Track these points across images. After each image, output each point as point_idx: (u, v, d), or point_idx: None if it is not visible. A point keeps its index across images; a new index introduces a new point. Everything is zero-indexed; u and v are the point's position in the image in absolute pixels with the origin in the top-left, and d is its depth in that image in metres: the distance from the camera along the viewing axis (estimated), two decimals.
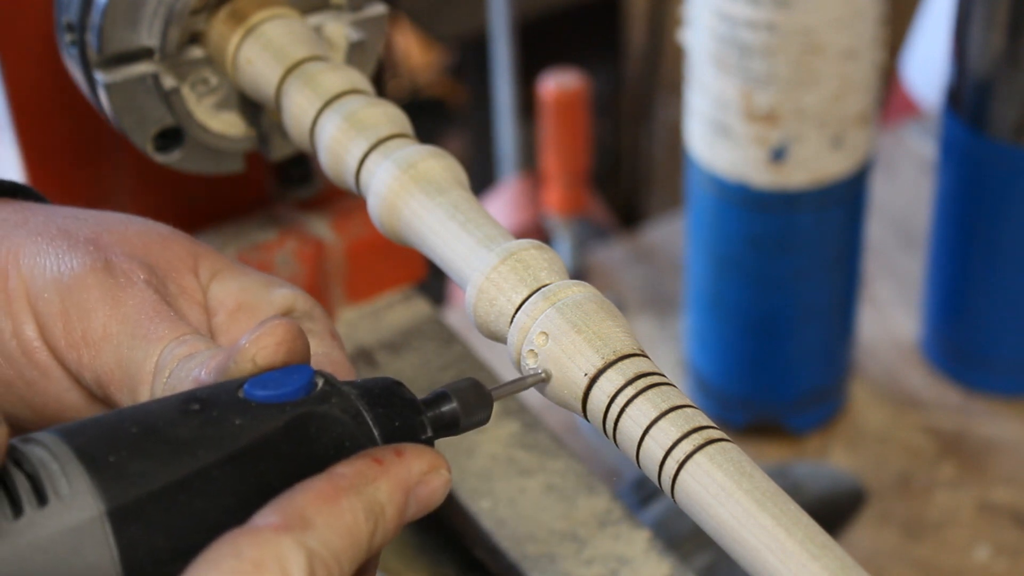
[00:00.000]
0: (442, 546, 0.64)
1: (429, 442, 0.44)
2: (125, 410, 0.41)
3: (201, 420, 0.40)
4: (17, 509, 0.37)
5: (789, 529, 0.41)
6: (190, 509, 0.39)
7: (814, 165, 0.80)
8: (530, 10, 1.72)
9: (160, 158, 0.59)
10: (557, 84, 1.27)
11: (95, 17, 0.55)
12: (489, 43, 1.63)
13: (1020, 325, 0.91)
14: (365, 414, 0.42)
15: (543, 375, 0.45)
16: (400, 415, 0.43)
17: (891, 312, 1.01)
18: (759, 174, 0.81)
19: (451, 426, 0.44)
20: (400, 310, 0.70)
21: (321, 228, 0.67)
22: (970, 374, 0.94)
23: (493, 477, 0.62)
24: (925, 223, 0.99)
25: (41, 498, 0.38)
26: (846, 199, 0.83)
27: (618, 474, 0.83)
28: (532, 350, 0.46)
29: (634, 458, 0.44)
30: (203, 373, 0.43)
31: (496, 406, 0.64)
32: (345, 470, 0.41)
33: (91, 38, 0.55)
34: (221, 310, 0.48)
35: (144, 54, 0.56)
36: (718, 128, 0.81)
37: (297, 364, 0.43)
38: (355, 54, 0.60)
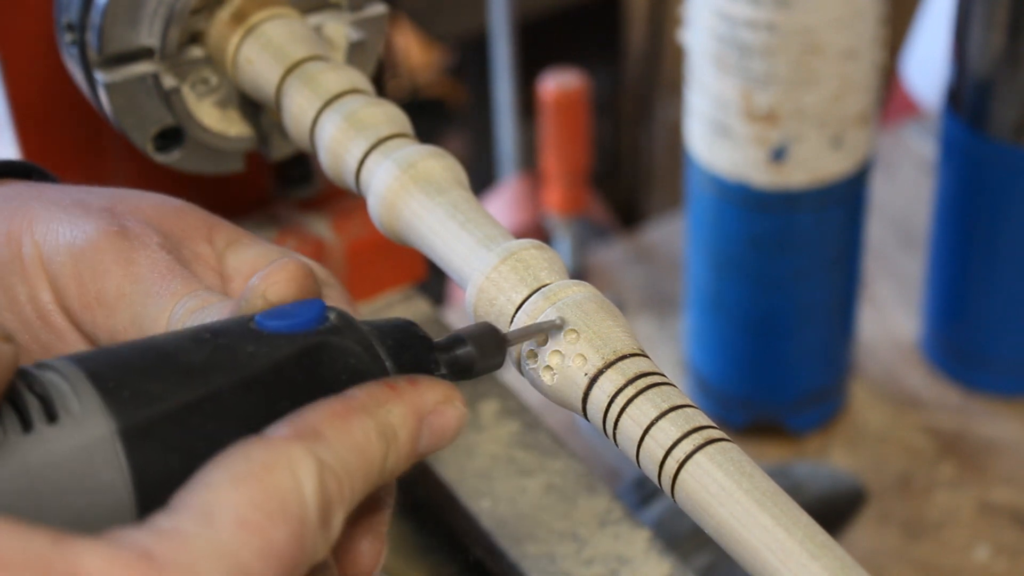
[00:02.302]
0: (442, 546, 0.64)
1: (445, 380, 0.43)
2: (138, 340, 0.41)
3: (213, 347, 0.40)
4: (27, 424, 0.37)
5: (789, 529, 0.41)
6: (202, 431, 0.39)
7: (814, 165, 0.80)
8: (530, 10, 1.72)
9: (160, 158, 0.59)
10: (557, 84, 1.27)
11: (95, 17, 0.55)
12: (489, 43, 1.63)
13: (1020, 325, 0.91)
14: (377, 347, 0.42)
15: (558, 321, 0.45)
16: (413, 350, 0.43)
17: (891, 312, 1.01)
18: (759, 174, 0.81)
19: (466, 369, 0.44)
20: (400, 310, 0.70)
21: (321, 228, 0.67)
22: (970, 374, 0.94)
23: (493, 477, 0.62)
24: (925, 223, 0.99)
25: (51, 416, 0.37)
26: (846, 199, 0.83)
27: (617, 473, 0.83)
28: (532, 350, 0.46)
29: (634, 458, 0.44)
30: (216, 320, 0.43)
31: (496, 405, 0.64)
32: (358, 392, 0.41)
33: (91, 38, 0.55)
34: (237, 276, 0.48)
35: (144, 54, 0.56)
36: (718, 128, 0.81)
37: (311, 299, 0.42)
38: (355, 54, 0.60)
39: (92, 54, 0.56)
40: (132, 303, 0.46)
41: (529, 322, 0.46)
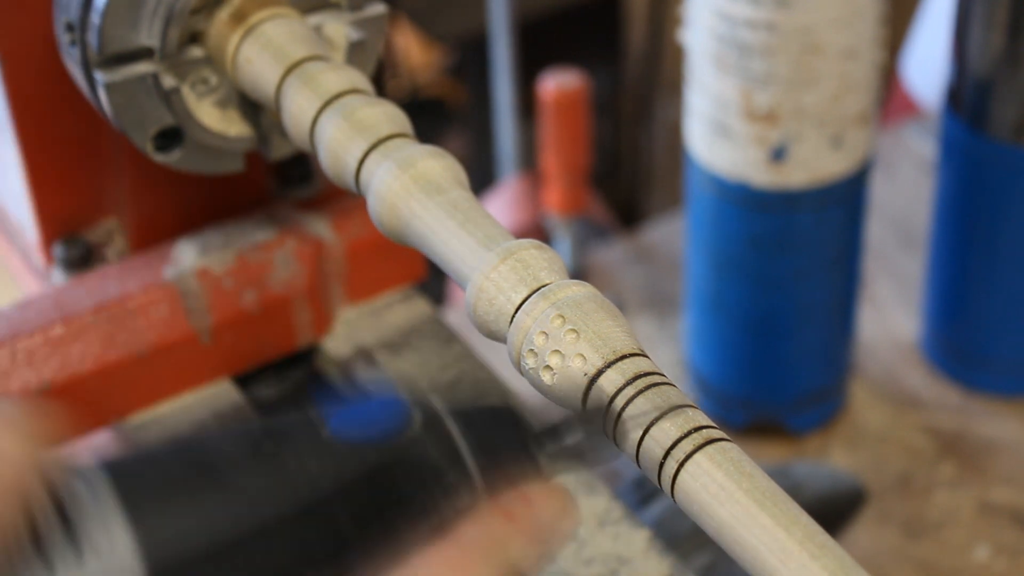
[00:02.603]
0: None
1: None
2: (185, 442, 0.36)
3: (272, 466, 0.36)
4: (49, 567, 0.34)
5: (789, 529, 0.41)
6: (247, 566, 0.35)
7: (814, 165, 0.80)
8: (530, 10, 1.73)
9: (160, 158, 0.59)
10: (557, 84, 1.27)
11: (95, 17, 0.55)
12: (489, 43, 1.63)
13: (1020, 325, 0.91)
14: (466, 458, 0.37)
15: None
16: (507, 450, 0.38)
17: (891, 312, 1.01)
18: (759, 174, 0.81)
19: (571, 459, 0.39)
20: (400, 310, 0.70)
21: (321, 228, 0.67)
22: (970, 374, 0.94)
23: None
24: (925, 223, 0.99)
25: (77, 551, 0.34)
26: (846, 199, 0.83)
27: (618, 474, 0.83)
28: (532, 350, 0.46)
29: (634, 458, 0.44)
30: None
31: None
32: (473, 532, 0.36)
33: (91, 38, 0.55)
34: None
35: (144, 54, 0.56)
36: (718, 128, 0.81)
37: (394, 398, 0.38)
38: (355, 54, 0.60)
39: (92, 54, 0.56)
40: None
41: (528, 321, 0.46)
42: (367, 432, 0.36)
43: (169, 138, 0.59)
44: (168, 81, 0.57)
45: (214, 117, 0.59)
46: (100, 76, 0.56)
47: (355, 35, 0.60)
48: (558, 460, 0.39)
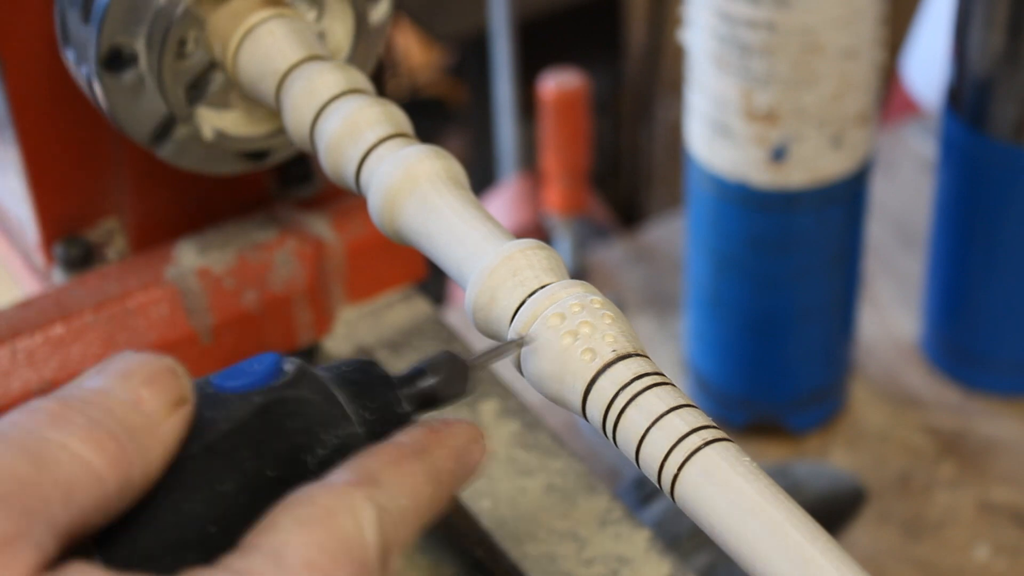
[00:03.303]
0: (442, 546, 0.64)
1: (406, 418, 0.44)
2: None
3: None
4: None
5: (789, 530, 0.41)
6: (167, 504, 0.39)
7: (814, 165, 0.80)
8: (530, 10, 1.72)
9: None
10: (557, 84, 1.27)
11: (96, 16, 0.55)
12: (489, 43, 1.63)
13: (1020, 325, 0.91)
14: (336, 394, 0.42)
15: (519, 340, 0.45)
16: (373, 391, 0.43)
17: (891, 312, 1.01)
18: (759, 174, 0.81)
19: (430, 402, 0.44)
20: (400, 310, 0.70)
21: (321, 228, 0.67)
22: (970, 374, 0.94)
23: (493, 477, 0.62)
24: (925, 223, 0.99)
25: None
26: (846, 199, 0.83)
27: (619, 474, 0.83)
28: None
29: (634, 459, 0.44)
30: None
31: (496, 405, 0.64)
32: (405, 438, 0.42)
33: (91, 37, 0.55)
34: None
35: (144, 53, 0.56)
36: (718, 128, 0.81)
37: (265, 354, 0.43)
38: (356, 52, 0.60)
39: (92, 54, 0.56)
40: None
41: (529, 322, 0.46)
42: (245, 383, 0.41)
43: (166, 133, 0.59)
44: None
45: (216, 116, 0.59)
46: (100, 75, 0.56)
47: (356, 33, 0.60)
48: (415, 401, 0.44)
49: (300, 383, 0.42)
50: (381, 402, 0.43)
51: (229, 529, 0.39)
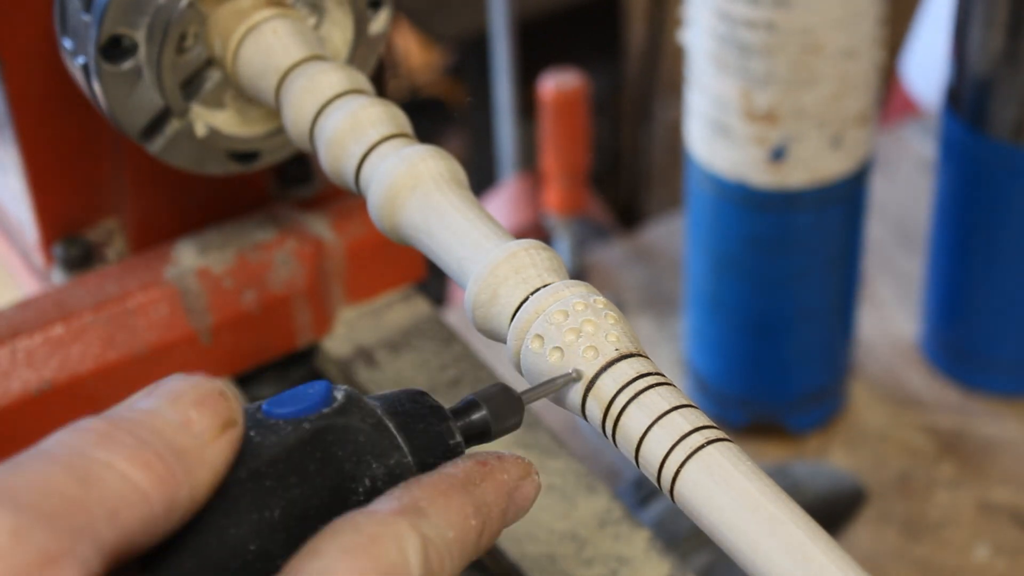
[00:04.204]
0: None
1: (458, 448, 0.43)
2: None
3: None
4: None
5: (788, 530, 0.41)
6: (212, 528, 0.39)
7: (814, 165, 0.80)
8: (530, 10, 1.72)
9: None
10: (557, 84, 1.27)
11: (95, 14, 0.55)
12: (489, 43, 1.63)
13: (1020, 325, 0.91)
14: (387, 422, 0.42)
15: (573, 375, 0.45)
16: (424, 421, 0.43)
17: (891, 312, 1.01)
18: (759, 174, 0.81)
19: (483, 434, 0.44)
20: (400, 310, 0.70)
21: (321, 228, 0.67)
22: (970, 374, 0.94)
23: None
24: (925, 223, 0.99)
25: None
26: (846, 199, 0.83)
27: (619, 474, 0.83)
28: (531, 350, 0.46)
29: (633, 458, 0.44)
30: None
31: None
32: (453, 470, 0.42)
33: (90, 32, 0.55)
34: None
35: (144, 45, 0.57)
36: (718, 128, 0.81)
37: (317, 381, 0.43)
38: (357, 52, 0.60)
39: (92, 42, 0.56)
40: None
41: (526, 325, 0.46)
42: (296, 410, 0.41)
43: (158, 127, 0.59)
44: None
45: (214, 115, 0.59)
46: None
47: (356, 33, 0.60)
48: (467, 433, 0.43)
49: (350, 410, 0.42)
50: (433, 432, 0.43)
51: (274, 555, 0.39)
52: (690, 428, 0.43)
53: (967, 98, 0.85)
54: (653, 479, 0.43)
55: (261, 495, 0.39)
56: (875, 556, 0.85)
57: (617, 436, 0.44)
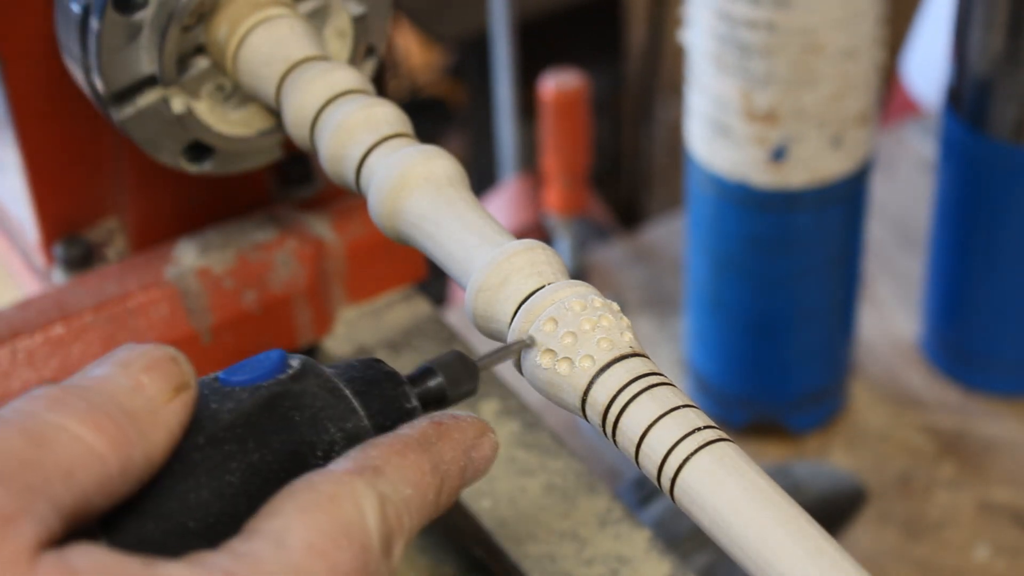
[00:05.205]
0: (442, 546, 0.64)
1: (414, 412, 0.44)
2: None
3: None
4: None
5: (789, 530, 0.41)
6: (173, 492, 0.39)
7: (814, 165, 0.81)
8: (530, 10, 1.72)
9: (195, 169, 0.60)
10: (557, 84, 1.27)
11: (93, 58, 0.55)
12: (489, 43, 1.63)
13: (1020, 325, 0.91)
14: (344, 388, 0.43)
15: (528, 340, 0.45)
16: (380, 386, 0.44)
17: (891, 312, 1.01)
18: (759, 174, 0.81)
19: (439, 400, 0.45)
20: (400, 310, 0.70)
21: (321, 228, 0.67)
22: (970, 374, 0.94)
23: (493, 477, 0.62)
24: (925, 223, 0.99)
25: None
26: (846, 199, 0.83)
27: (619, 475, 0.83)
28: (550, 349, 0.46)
29: (634, 459, 0.44)
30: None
31: (496, 405, 0.64)
32: (409, 431, 0.42)
33: (95, 79, 0.56)
34: None
35: (149, 81, 0.57)
36: (718, 128, 0.81)
37: (272, 350, 0.43)
38: (359, 30, 0.60)
39: (101, 91, 0.56)
40: None
41: (530, 320, 0.46)
42: (252, 377, 0.42)
43: (200, 149, 0.59)
44: (177, 105, 0.57)
45: (234, 121, 0.59)
46: (113, 113, 0.56)
47: (357, 9, 0.60)
48: (423, 399, 0.44)
49: (306, 377, 0.42)
50: (389, 397, 0.44)
51: (235, 518, 0.40)
52: (690, 428, 0.43)
53: (967, 98, 0.85)
54: (653, 479, 0.43)
55: (220, 460, 0.40)
56: (875, 556, 0.85)
57: (617, 436, 0.44)
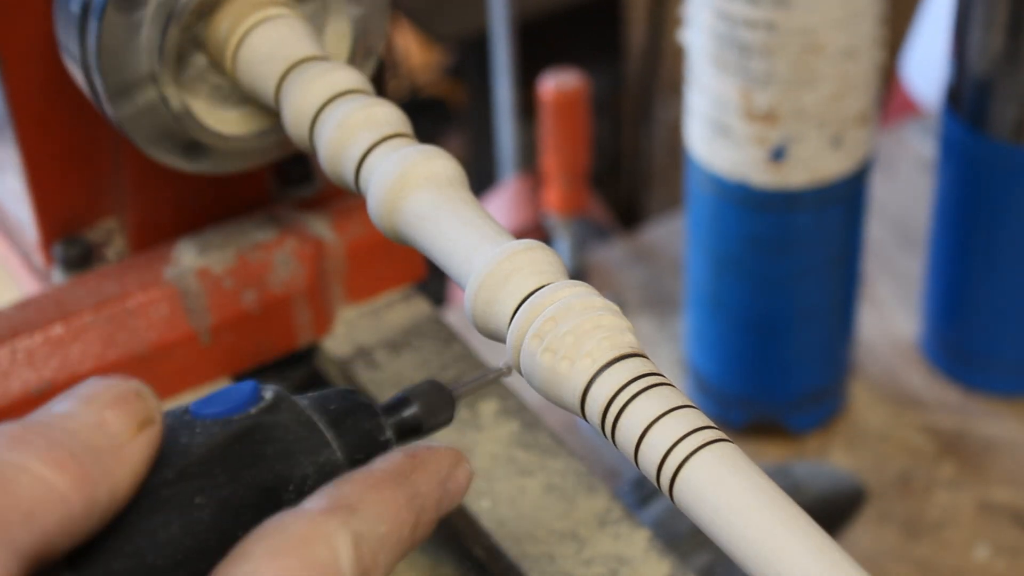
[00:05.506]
0: (442, 546, 0.64)
1: (388, 445, 0.43)
2: None
3: None
4: None
5: (788, 530, 0.41)
6: (141, 528, 0.39)
7: (814, 165, 0.81)
8: (530, 10, 1.73)
9: (193, 167, 0.59)
10: (557, 84, 1.27)
11: (92, 57, 0.55)
12: (489, 43, 1.63)
13: (1020, 325, 0.91)
14: (316, 420, 0.42)
15: (504, 368, 0.45)
16: (354, 417, 0.43)
17: (891, 312, 1.01)
18: (759, 174, 0.81)
19: (414, 430, 0.44)
20: (400, 309, 0.70)
21: (321, 228, 0.67)
22: (970, 374, 0.94)
23: (493, 477, 0.62)
24: (925, 223, 0.99)
25: None
26: (846, 199, 0.83)
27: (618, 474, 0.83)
28: (530, 350, 0.46)
29: (632, 458, 0.44)
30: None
31: (496, 405, 0.64)
32: (384, 464, 0.42)
33: (95, 78, 0.56)
34: None
35: (148, 81, 0.57)
36: (718, 128, 0.81)
37: (244, 381, 0.43)
38: (359, 30, 0.60)
39: (100, 90, 0.56)
40: None
41: (525, 324, 0.46)
42: (222, 409, 0.41)
43: (198, 148, 0.59)
44: (176, 104, 0.57)
45: (235, 120, 0.59)
46: (112, 112, 0.56)
47: (356, 11, 0.60)
48: (398, 430, 0.44)
49: (279, 409, 0.42)
50: (362, 429, 0.43)
51: (205, 554, 0.39)
52: (689, 429, 0.43)
53: (967, 98, 0.85)
54: (652, 479, 0.43)
55: (190, 494, 0.39)
56: (875, 556, 0.85)
57: (616, 436, 0.44)
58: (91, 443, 0.38)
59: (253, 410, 0.41)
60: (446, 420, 0.45)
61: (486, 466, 0.63)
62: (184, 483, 0.39)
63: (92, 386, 0.39)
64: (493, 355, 0.70)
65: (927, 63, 1.32)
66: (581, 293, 0.46)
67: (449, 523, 0.63)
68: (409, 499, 0.41)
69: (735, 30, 0.77)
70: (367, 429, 0.43)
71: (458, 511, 0.61)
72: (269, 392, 0.42)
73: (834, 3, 0.76)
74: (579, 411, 0.45)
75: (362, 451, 0.43)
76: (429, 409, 0.44)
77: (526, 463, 0.63)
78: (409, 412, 0.44)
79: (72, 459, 0.37)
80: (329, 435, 0.42)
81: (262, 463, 0.41)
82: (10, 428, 0.37)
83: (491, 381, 0.45)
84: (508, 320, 0.46)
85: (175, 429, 0.40)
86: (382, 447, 0.43)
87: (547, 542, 0.59)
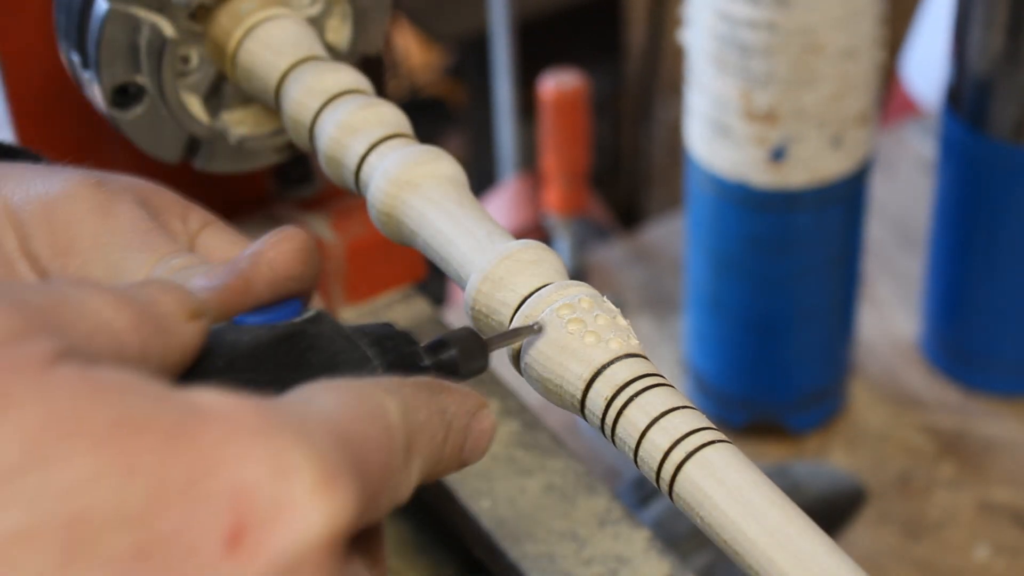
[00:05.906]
0: (442, 546, 0.64)
1: (427, 371, 0.44)
2: None
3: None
4: None
5: (787, 530, 0.41)
6: None
7: (814, 165, 0.81)
8: (530, 10, 1.73)
9: (196, 164, 0.60)
10: (557, 84, 1.27)
11: (92, 61, 0.55)
12: (489, 43, 1.63)
13: (1020, 325, 0.91)
14: (358, 340, 0.42)
15: (536, 327, 0.45)
16: (394, 341, 0.43)
17: (891, 312, 1.01)
18: (759, 174, 0.81)
19: (450, 372, 0.44)
20: (400, 310, 0.70)
21: (321, 228, 0.67)
22: (970, 374, 0.94)
23: (493, 477, 0.62)
24: (925, 223, 0.99)
25: None
26: (846, 199, 0.83)
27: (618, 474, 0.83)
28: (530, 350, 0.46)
29: (632, 459, 0.44)
30: (205, 280, 0.43)
31: (496, 405, 0.64)
32: (416, 379, 0.41)
33: (94, 78, 0.56)
34: (210, 258, 0.47)
35: (148, 80, 0.57)
36: (718, 128, 0.81)
37: (291, 298, 0.43)
38: (359, 30, 0.60)
39: (99, 90, 0.56)
40: (109, 254, 0.45)
41: (530, 319, 0.46)
42: (268, 318, 0.42)
43: (197, 148, 0.59)
44: (175, 103, 0.57)
45: (234, 119, 0.59)
46: (112, 112, 0.56)
47: (357, 6, 0.60)
48: (436, 370, 0.44)
49: (323, 322, 0.42)
50: (403, 352, 0.43)
51: None
52: (688, 429, 0.43)
53: (967, 98, 0.85)
54: (652, 479, 0.43)
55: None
56: (875, 556, 0.85)
57: (616, 437, 0.44)
58: (148, 307, 0.37)
59: (297, 320, 0.42)
60: (480, 368, 0.45)
61: (486, 466, 0.63)
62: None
63: (142, 281, 0.40)
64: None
65: (927, 63, 1.32)
66: (580, 293, 0.46)
67: (449, 523, 0.63)
68: (440, 411, 0.40)
69: (735, 30, 0.77)
70: (407, 353, 0.43)
71: (458, 511, 0.61)
72: (313, 311, 0.43)
73: (834, 3, 0.76)
74: (579, 411, 0.45)
75: (401, 371, 0.43)
76: (466, 353, 0.44)
77: (526, 463, 0.63)
78: (447, 354, 0.44)
79: (130, 306, 0.37)
80: (371, 352, 0.42)
81: (306, 368, 0.41)
82: (70, 277, 0.38)
83: (522, 337, 0.46)
84: (509, 320, 0.46)
85: (222, 330, 0.41)
86: (420, 373, 0.43)
87: (547, 542, 0.59)
